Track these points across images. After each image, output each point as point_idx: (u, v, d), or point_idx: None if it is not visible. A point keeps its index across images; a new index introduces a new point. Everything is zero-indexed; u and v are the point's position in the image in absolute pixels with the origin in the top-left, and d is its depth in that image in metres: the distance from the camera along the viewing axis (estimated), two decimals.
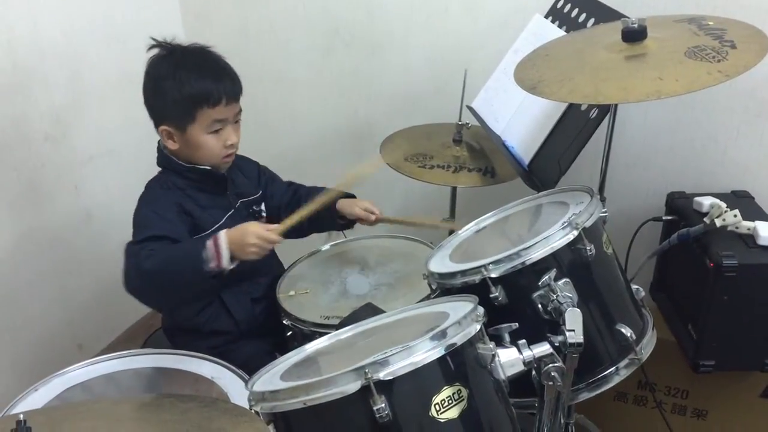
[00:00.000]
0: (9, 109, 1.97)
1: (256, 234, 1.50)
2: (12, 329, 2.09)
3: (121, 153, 2.31)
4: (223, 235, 1.49)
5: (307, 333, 1.58)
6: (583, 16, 1.72)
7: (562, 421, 1.26)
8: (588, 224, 1.27)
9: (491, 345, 1.08)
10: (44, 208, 2.14)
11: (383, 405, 0.96)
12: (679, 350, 1.82)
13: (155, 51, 1.62)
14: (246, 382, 1.33)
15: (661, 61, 1.27)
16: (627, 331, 1.27)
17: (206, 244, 1.48)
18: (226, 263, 1.48)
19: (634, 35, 1.32)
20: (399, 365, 0.97)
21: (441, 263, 1.44)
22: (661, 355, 1.57)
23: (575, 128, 1.56)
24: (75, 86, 2.15)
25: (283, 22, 2.38)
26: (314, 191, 1.83)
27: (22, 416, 0.85)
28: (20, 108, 2.00)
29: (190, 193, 1.64)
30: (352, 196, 1.83)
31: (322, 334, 1.35)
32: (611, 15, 1.61)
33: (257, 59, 2.38)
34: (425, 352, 0.99)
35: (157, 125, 1.62)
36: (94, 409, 1.12)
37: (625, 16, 1.47)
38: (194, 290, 1.57)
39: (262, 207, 1.80)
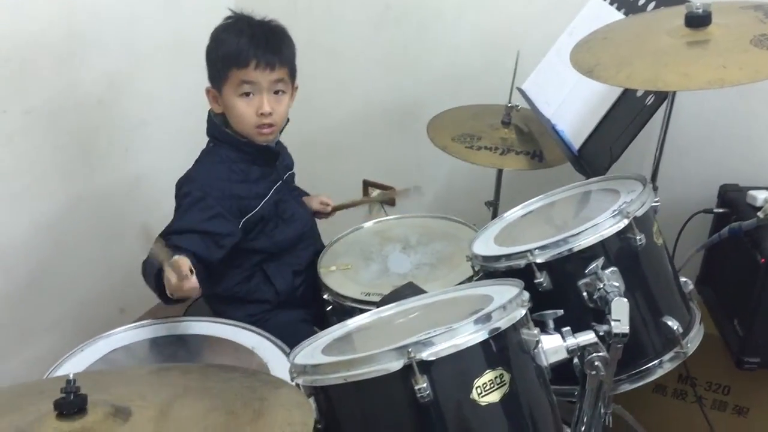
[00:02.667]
0: (65, 72, 2.00)
1: (166, 279, 1.37)
2: (57, 291, 2.14)
3: (170, 119, 2.34)
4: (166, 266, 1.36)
5: (347, 308, 1.59)
6: (643, 0, 1.67)
7: (602, 411, 1.25)
8: (639, 213, 1.25)
9: (536, 331, 1.07)
10: (95, 171, 2.18)
11: (425, 385, 0.95)
12: (723, 345, 1.78)
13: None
14: (286, 354, 1.35)
15: (725, 49, 1.23)
16: (673, 324, 1.25)
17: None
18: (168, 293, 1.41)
19: (698, 21, 1.28)
20: (442, 346, 0.97)
21: (485, 246, 1.43)
22: (704, 349, 1.53)
23: (629, 115, 1.52)
24: (129, 51, 2.18)
25: None
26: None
27: (71, 375, 0.87)
28: (75, 72, 2.03)
29: (241, 167, 1.65)
30: (307, 194, 1.96)
31: (362, 310, 1.36)
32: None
33: (306, 31, 2.36)
34: (469, 335, 0.98)
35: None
36: (140, 374, 1.15)
37: (688, 1, 1.42)
38: (172, 303, 1.49)
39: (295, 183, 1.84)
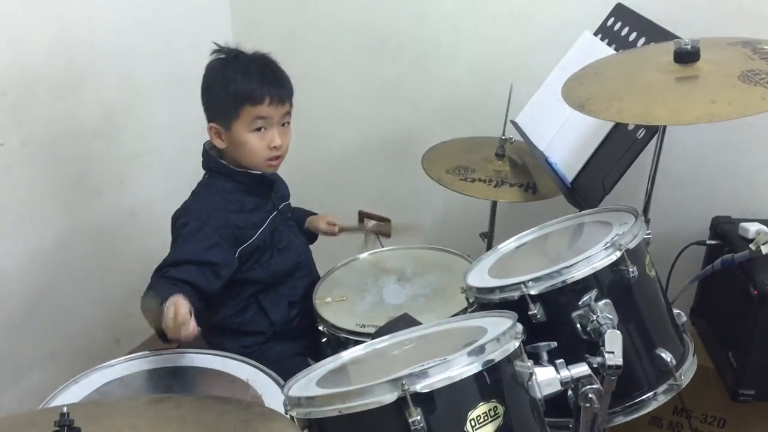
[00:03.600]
0: (62, 105, 2.02)
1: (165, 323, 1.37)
2: (53, 320, 2.14)
3: (166, 152, 2.36)
4: (164, 308, 1.37)
5: (342, 340, 1.59)
6: (633, 35, 1.70)
7: None
8: (631, 246, 1.26)
9: (529, 363, 1.07)
10: (91, 203, 2.19)
11: (419, 417, 0.95)
12: (718, 377, 1.78)
13: (216, 55, 1.66)
14: (281, 386, 1.35)
15: (714, 84, 1.25)
16: (667, 356, 1.25)
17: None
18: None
19: (687, 56, 1.30)
20: (436, 378, 0.97)
21: (479, 277, 1.43)
22: (699, 381, 1.53)
23: (621, 148, 1.54)
24: (126, 85, 2.21)
25: (331, 29, 2.40)
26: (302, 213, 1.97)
27: (65, 409, 0.87)
28: (73, 104, 2.06)
29: (237, 197, 1.67)
30: (314, 213, 1.98)
31: (357, 342, 1.36)
32: (663, 35, 1.59)
33: (303, 64, 2.40)
34: (463, 367, 0.99)
35: (208, 123, 1.66)
36: (134, 406, 1.14)
37: (677, 37, 1.45)
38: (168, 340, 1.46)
39: (290, 214, 1.85)
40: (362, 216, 2.59)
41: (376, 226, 1.98)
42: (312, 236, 1.97)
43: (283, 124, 1.66)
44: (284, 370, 1.42)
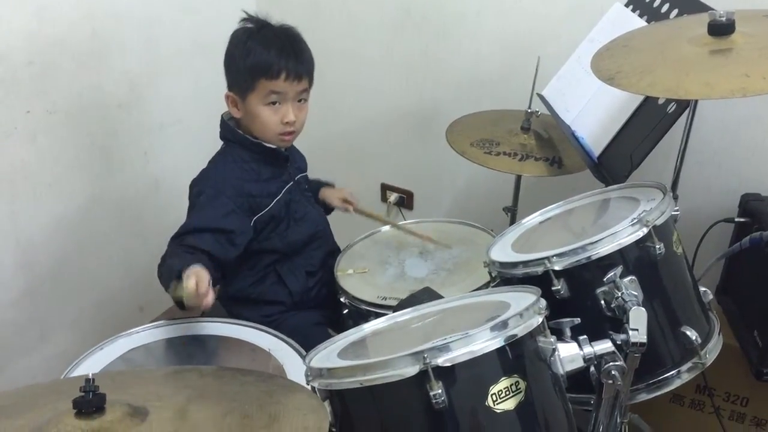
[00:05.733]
0: (86, 75, 2.03)
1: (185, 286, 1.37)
2: (77, 288, 2.17)
3: (189, 123, 2.36)
4: (184, 276, 1.38)
5: (363, 312, 1.60)
6: (665, 7, 1.66)
7: (618, 420, 1.24)
8: (659, 222, 1.24)
9: (552, 339, 1.06)
10: (115, 173, 2.20)
11: (440, 391, 0.95)
12: (743, 356, 1.76)
13: (243, 24, 1.65)
14: (302, 356, 1.36)
15: (748, 57, 1.21)
16: (692, 334, 1.24)
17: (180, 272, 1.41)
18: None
19: (722, 29, 1.26)
20: (458, 353, 0.97)
21: (503, 252, 1.42)
22: (723, 360, 1.51)
23: (651, 122, 1.51)
24: (149, 55, 2.20)
25: (355, 1, 2.37)
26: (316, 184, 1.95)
27: (90, 375, 0.88)
28: (97, 74, 2.06)
29: (253, 166, 1.67)
30: (332, 185, 1.97)
31: (378, 314, 1.36)
32: (696, 6, 1.55)
33: (327, 35, 2.38)
34: (485, 342, 0.98)
35: (227, 91, 1.66)
36: (157, 375, 1.16)
37: (710, 8, 1.41)
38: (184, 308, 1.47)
39: (307, 185, 1.85)
40: (385, 189, 2.60)
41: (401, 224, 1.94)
42: (327, 208, 1.96)
43: (299, 100, 1.65)
44: (305, 339, 1.44)
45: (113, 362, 1.42)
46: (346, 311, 1.66)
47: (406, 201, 2.58)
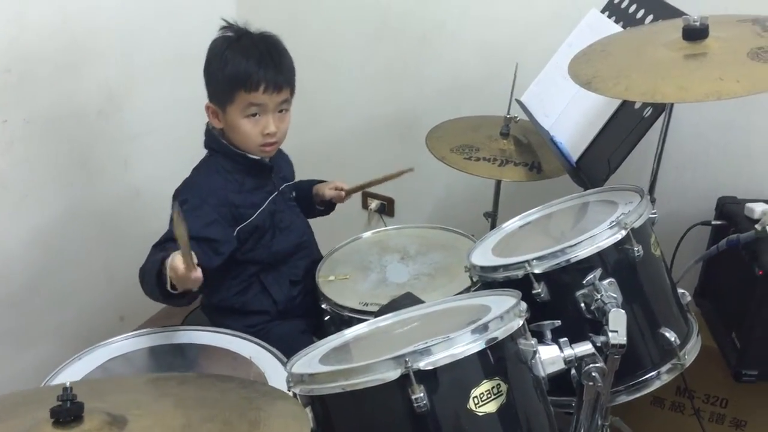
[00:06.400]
0: (65, 83, 2.01)
1: (171, 266, 1.36)
2: (58, 298, 2.15)
3: (169, 131, 2.35)
4: (169, 258, 1.37)
5: (345, 318, 1.59)
6: (641, 13, 1.68)
7: (599, 422, 1.25)
8: (637, 225, 1.25)
9: (533, 341, 1.07)
10: (94, 182, 2.19)
11: (422, 395, 0.95)
12: (721, 358, 1.78)
13: (223, 32, 1.63)
14: (284, 364, 1.35)
15: (722, 62, 1.24)
16: (671, 336, 1.25)
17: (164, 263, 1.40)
18: (168, 286, 1.38)
19: (696, 34, 1.28)
20: (439, 356, 0.97)
21: (483, 256, 1.43)
22: (702, 361, 1.53)
23: (627, 126, 1.53)
24: (128, 63, 2.19)
25: (334, 8, 2.38)
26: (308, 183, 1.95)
27: (68, 383, 0.87)
28: (75, 83, 2.05)
29: (236, 177, 1.65)
30: (321, 181, 1.95)
31: (360, 320, 1.36)
32: (671, 12, 1.58)
33: (306, 44, 2.36)
34: (466, 345, 0.98)
35: (208, 102, 1.64)
36: (137, 383, 1.15)
37: (685, 14, 1.43)
38: (172, 302, 1.47)
39: (293, 194, 1.83)
40: (366, 196, 2.60)
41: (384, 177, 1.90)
42: (328, 206, 1.95)
43: (280, 111, 1.63)
44: (289, 348, 1.41)
45: (92, 372, 1.40)
46: (327, 318, 1.65)
47: (387, 208, 2.59)
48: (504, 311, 1.04)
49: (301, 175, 1.95)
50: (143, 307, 2.27)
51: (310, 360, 1.17)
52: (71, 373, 1.38)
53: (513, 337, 1.04)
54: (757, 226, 1.65)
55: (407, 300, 1.45)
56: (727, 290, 1.84)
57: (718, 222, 1.85)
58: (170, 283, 1.37)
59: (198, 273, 1.33)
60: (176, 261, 1.32)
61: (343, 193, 1.90)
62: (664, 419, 1.95)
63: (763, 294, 1.60)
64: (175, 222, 1.23)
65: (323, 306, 1.66)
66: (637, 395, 1.27)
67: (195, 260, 1.32)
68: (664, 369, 1.27)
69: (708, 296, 1.94)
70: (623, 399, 1.27)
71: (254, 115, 1.59)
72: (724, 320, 1.81)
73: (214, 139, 1.66)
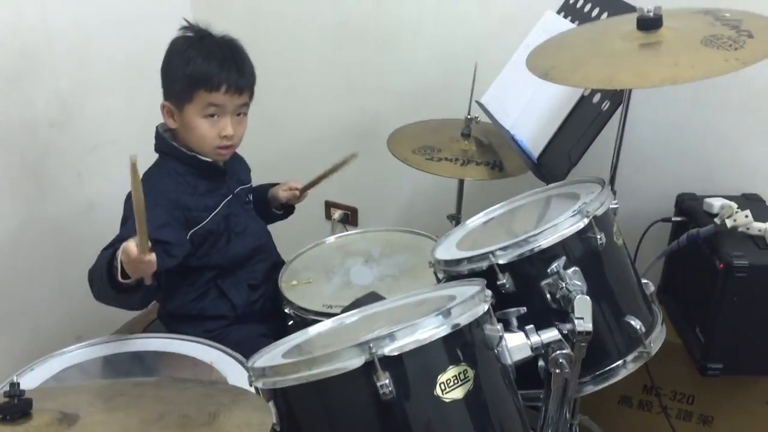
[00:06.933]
0: (15, 94, 1.96)
1: (124, 250, 1.31)
2: (10, 317, 2.07)
3: (125, 143, 2.29)
4: (120, 248, 1.33)
5: (309, 321, 1.56)
6: (596, 11, 1.70)
7: (567, 416, 1.24)
8: (599, 213, 1.25)
9: (499, 326, 1.05)
10: (47, 195, 2.12)
11: (387, 381, 0.93)
12: (686, 354, 1.79)
13: (183, 32, 1.62)
14: (246, 368, 1.31)
15: (677, 49, 1.25)
16: (636, 323, 1.24)
17: (115, 255, 1.36)
18: (121, 277, 1.35)
19: (650, 23, 1.30)
20: (404, 341, 0.95)
21: (447, 251, 1.41)
22: (668, 358, 1.55)
23: (586, 121, 1.54)
24: (82, 73, 2.14)
25: (292, 14, 2.38)
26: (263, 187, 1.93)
27: (15, 378, 0.83)
28: (26, 93, 1.99)
29: (189, 179, 1.63)
30: (275, 184, 1.93)
31: None
32: (624, 8, 1.59)
33: (265, 50, 2.32)
34: (431, 330, 0.97)
35: (163, 101, 1.62)
36: (91, 387, 1.10)
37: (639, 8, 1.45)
38: (124, 298, 1.42)
39: (250, 197, 1.81)
40: (329, 206, 2.58)
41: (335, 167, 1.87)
42: (287, 210, 1.93)
43: (238, 114, 1.62)
44: (248, 352, 1.36)
45: (46, 382, 1.35)
46: (291, 322, 1.62)
47: (350, 218, 2.56)
48: (468, 296, 1.02)
49: (259, 181, 1.92)
50: (101, 325, 2.20)
51: (273, 357, 1.14)
52: (23, 384, 1.31)
53: (479, 323, 1.03)
54: (716, 219, 1.67)
55: (371, 298, 1.42)
56: (689, 286, 1.86)
57: (678, 218, 1.87)
58: (121, 272, 1.32)
59: (152, 256, 1.29)
60: (130, 244, 1.28)
61: (297, 192, 1.88)
62: (633, 418, 1.95)
63: (725, 287, 1.61)
64: (132, 183, 1.19)
65: (287, 310, 1.63)
66: (604, 385, 1.26)
67: (149, 244, 1.28)
68: (629, 358, 1.26)
69: (671, 293, 1.95)
70: (590, 389, 1.26)
71: (212, 116, 1.57)
72: (688, 316, 1.82)
73: (164, 142, 1.63)
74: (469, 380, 0.98)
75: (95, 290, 1.43)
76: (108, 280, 1.36)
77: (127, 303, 1.45)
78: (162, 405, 0.93)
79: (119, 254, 1.32)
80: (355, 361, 0.94)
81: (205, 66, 1.54)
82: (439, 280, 1.40)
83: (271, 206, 1.90)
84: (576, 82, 1.27)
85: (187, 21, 1.62)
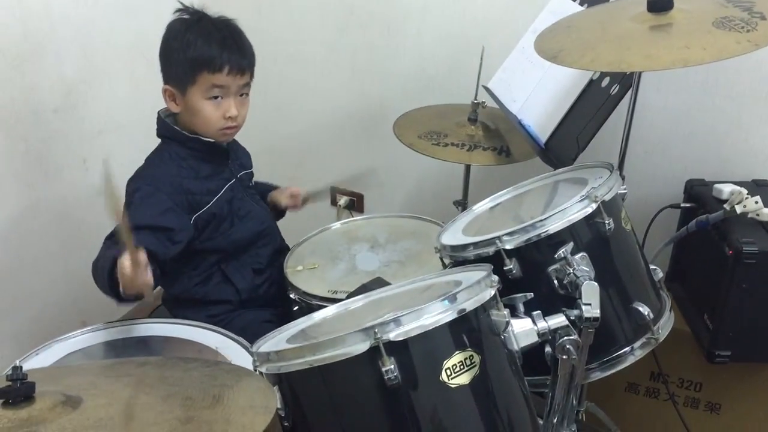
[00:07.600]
0: (19, 79, 1.94)
1: (119, 268, 1.30)
2: (15, 303, 2.07)
3: (129, 128, 2.28)
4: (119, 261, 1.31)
5: (314, 307, 1.55)
6: None
7: (574, 402, 1.23)
8: (607, 198, 1.24)
9: (505, 312, 1.04)
10: (52, 181, 2.11)
11: (392, 367, 0.92)
12: (694, 341, 1.78)
13: (179, 15, 1.60)
14: (251, 353, 1.30)
15: (688, 31, 1.23)
16: (644, 310, 1.24)
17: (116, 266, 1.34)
18: (121, 288, 1.34)
19: (660, 5, 1.28)
20: (409, 326, 0.94)
21: (453, 237, 1.40)
22: (676, 345, 1.53)
23: (595, 105, 1.52)
24: (86, 58, 2.13)
25: (297, 1, 2.35)
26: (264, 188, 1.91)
27: (18, 362, 0.82)
28: (31, 79, 1.98)
29: (191, 163, 1.62)
30: (276, 187, 1.92)
31: None
32: None
33: (271, 37, 2.35)
34: (437, 315, 0.96)
35: (163, 85, 1.61)
36: (94, 368, 1.09)
37: None
38: (126, 303, 1.43)
39: (253, 182, 1.81)
40: (334, 192, 2.57)
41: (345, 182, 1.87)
42: (279, 213, 1.92)
43: (241, 95, 1.61)
44: (253, 338, 1.37)
45: (50, 367, 1.34)
46: (296, 308, 1.61)
47: (356, 204, 2.55)
48: (474, 282, 1.01)
49: (265, 168, 1.91)
50: (106, 311, 2.20)
51: (278, 341, 1.13)
52: (28, 368, 1.32)
53: (485, 308, 1.02)
54: (725, 205, 1.65)
55: (377, 284, 1.41)
56: (697, 272, 1.84)
57: (687, 204, 1.85)
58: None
59: (147, 278, 1.29)
60: (124, 262, 1.28)
61: (299, 200, 1.87)
62: (640, 405, 1.94)
63: (734, 273, 1.60)
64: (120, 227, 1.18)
65: (291, 296, 1.62)
66: (612, 371, 1.25)
67: (143, 262, 1.27)
68: (637, 344, 1.26)
69: (679, 280, 1.94)
70: (597, 376, 1.25)
71: (216, 97, 1.56)
72: (696, 302, 1.81)
73: (166, 127, 1.62)
74: (475, 366, 0.97)
75: (98, 285, 1.44)
76: (110, 287, 1.38)
77: (130, 305, 1.45)
78: (165, 386, 0.92)
79: (119, 267, 1.31)
80: (360, 347, 0.93)
81: (206, 48, 1.54)
82: (445, 266, 1.39)
83: (270, 209, 1.87)
84: (585, 65, 1.25)
85: (181, 3, 1.61)
